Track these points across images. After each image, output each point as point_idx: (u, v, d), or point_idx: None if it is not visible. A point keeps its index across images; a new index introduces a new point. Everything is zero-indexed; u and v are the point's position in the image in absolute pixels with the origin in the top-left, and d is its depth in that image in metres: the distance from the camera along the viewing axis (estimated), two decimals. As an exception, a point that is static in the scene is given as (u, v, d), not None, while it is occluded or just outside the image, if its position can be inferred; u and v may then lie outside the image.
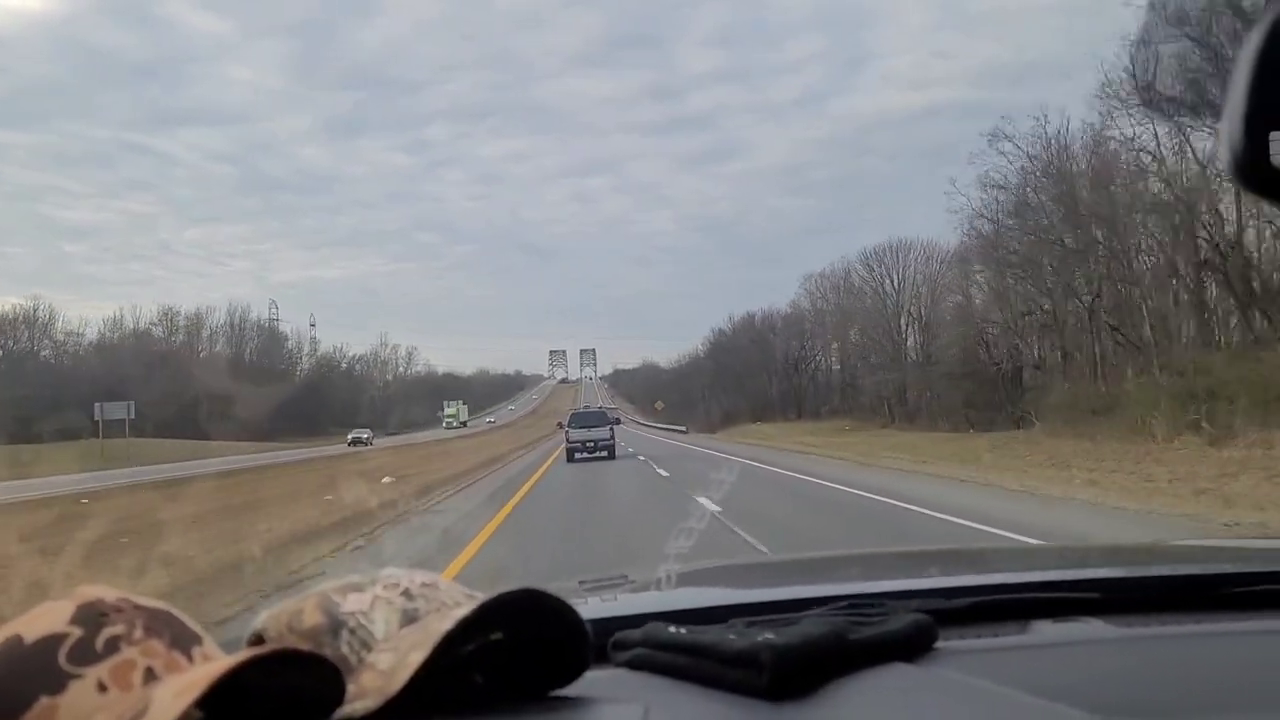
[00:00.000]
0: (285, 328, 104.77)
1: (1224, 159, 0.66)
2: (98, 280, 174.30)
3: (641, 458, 30.70)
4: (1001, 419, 45.30)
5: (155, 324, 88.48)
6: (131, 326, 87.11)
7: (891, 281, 61.17)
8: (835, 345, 73.98)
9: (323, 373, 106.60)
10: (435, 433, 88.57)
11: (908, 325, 59.93)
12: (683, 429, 75.12)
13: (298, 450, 50.42)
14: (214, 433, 62.90)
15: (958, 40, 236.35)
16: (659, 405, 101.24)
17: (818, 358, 78.90)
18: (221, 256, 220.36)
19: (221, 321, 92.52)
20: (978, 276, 43.15)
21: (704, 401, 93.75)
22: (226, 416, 68.21)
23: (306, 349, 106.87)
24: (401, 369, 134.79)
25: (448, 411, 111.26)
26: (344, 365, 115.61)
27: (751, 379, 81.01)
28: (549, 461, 32.46)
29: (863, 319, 63.40)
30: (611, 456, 30.25)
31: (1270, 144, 0.65)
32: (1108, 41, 30.55)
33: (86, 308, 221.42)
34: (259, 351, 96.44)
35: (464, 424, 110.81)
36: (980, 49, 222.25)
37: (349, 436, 64.92)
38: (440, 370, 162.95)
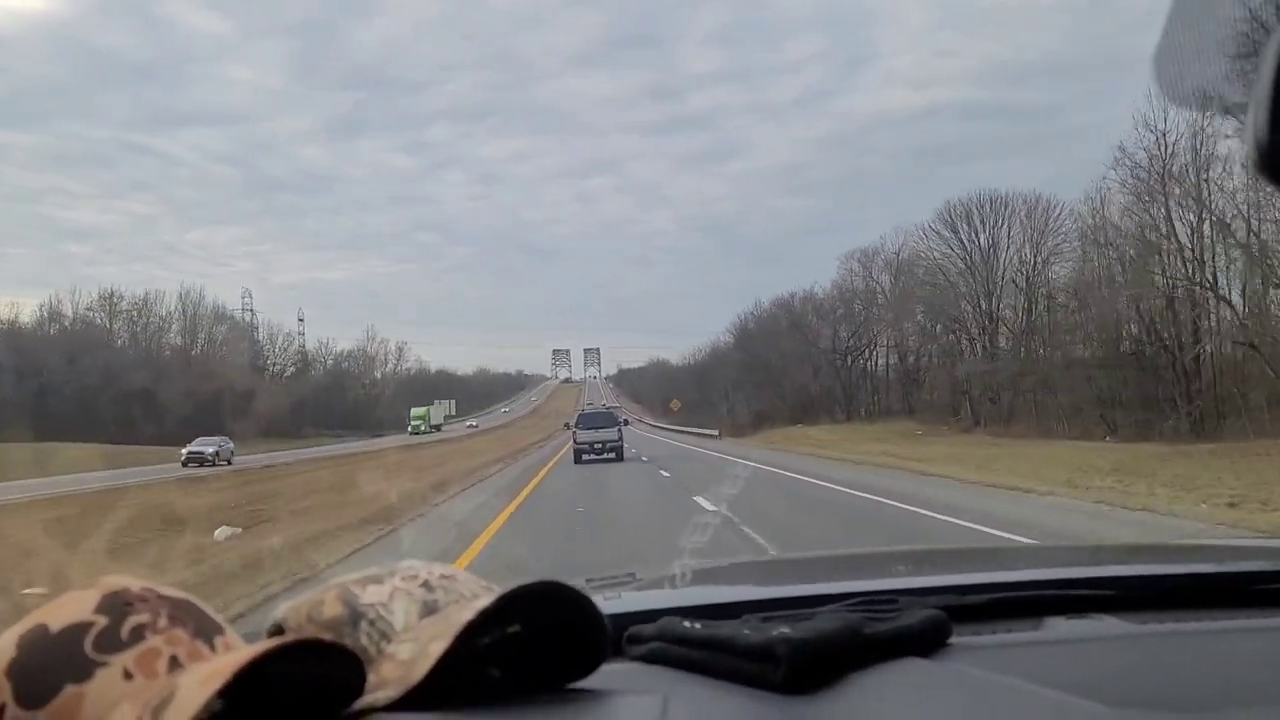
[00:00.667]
0: (264, 321, 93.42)
1: (1249, 152, 0.61)
2: (98, 282, 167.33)
3: (707, 505, 17.76)
4: (1168, 424, 33.04)
5: (93, 310, 76.76)
6: (70, 313, 75.63)
7: (980, 246, 47.96)
8: (890, 332, 61.26)
9: (301, 369, 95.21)
10: (400, 438, 75.10)
11: (998, 303, 47.12)
12: (714, 433, 62.25)
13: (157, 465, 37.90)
14: (135, 436, 51.79)
15: (958, 40, 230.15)
16: (675, 405, 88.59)
17: (867, 347, 65.99)
18: (224, 258, 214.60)
19: (173, 308, 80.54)
20: (1145, 215, 30.59)
21: (727, 400, 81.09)
22: (156, 416, 56.91)
23: (280, 343, 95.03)
24: (391, 366, 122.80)
25: (414, 413, 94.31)
26: (329, 362, 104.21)
27: (788, 373, 67.92)
28: (533, 484, 21.49)
29: (936, 296, 50.32)
30: (619, 458, 29.44)
31: None
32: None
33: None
34: (220, 344, 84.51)
35: (437, 428, 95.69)
36: (981, 48, 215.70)
37: (183, 452, 41.99)
38: (434, 368, 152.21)
